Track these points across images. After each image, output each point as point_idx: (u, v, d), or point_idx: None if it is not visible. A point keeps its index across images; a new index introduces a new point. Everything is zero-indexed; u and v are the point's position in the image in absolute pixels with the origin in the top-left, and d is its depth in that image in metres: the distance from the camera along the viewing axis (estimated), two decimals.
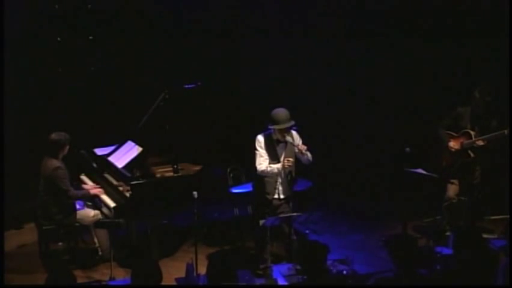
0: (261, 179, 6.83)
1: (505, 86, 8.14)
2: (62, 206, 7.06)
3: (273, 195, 6.83)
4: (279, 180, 6.81)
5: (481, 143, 7.28)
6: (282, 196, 6.85)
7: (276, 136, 6.77)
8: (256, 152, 6.80)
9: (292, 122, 6.68)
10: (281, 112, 6.67)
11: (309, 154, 6.75)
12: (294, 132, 6.87)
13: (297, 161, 6.85)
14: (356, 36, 9.39)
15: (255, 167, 6.80)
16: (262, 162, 6.76)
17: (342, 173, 9.46)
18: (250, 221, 7.21)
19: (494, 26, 8.63)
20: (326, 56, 9.36)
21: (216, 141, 8.35)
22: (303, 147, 6.68)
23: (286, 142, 6.75)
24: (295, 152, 6.78)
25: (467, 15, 8.83)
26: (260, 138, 6.83)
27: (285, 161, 6.69)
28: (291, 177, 6.88)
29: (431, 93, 9.04)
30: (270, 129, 6.76)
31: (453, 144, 7.52)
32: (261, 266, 6.95)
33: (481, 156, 7.49)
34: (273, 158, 6.76)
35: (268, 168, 6.72)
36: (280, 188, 6.83)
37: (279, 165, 6.72)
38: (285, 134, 6.70)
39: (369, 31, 9.36)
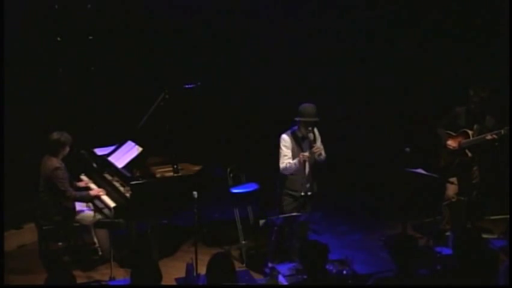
0: (289, 177, 6.89)
1: (505, 85, 8.15)
2: (61, 206, 7.06)
3: (301, 192, 6.88)
4: (305, 176, 6.84)
5: (489, 137, 7.23)
6: (309, 193, 6.91)
7: (301, 133, 6.83)
8: (280, 151, 6.88)
9: (318, 119, 6.78)
10: (309, 106, 6.80)
11: (323, 154, 6.88)
12: (317, 133, 6.95)
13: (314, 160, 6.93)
14: (355, 36, 9.39)
15: (278, 167, 6.89)
16: (285, 160, 6.82)
17: (342, 173, 9.45)
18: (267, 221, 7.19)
19: (495, 25, 8.63)
20: (326, 56, 9.36)
21: (216, 141, 8.34)
22: (317, 149, 6.78)
23: (310, 139, 6.80)
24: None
25: (467, 14, 8.83)
26: (285, 137, 6.89)
27: (300, 156, 6.74)
28: (315, 173, 6.94)
29: (431, 93, 9.04)
30: (294, 127, 6.84)
31: (451, 143, 7.54)
32: (270, 265, 6.93)
33: (479, 155, 7.50)
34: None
35: (288, 165, 6.81)
36: (308, 185, 6.88)
37: (295, 160, 6.78)
38: (309, 129, 6.76)
39: (369, 31, 9.37)
